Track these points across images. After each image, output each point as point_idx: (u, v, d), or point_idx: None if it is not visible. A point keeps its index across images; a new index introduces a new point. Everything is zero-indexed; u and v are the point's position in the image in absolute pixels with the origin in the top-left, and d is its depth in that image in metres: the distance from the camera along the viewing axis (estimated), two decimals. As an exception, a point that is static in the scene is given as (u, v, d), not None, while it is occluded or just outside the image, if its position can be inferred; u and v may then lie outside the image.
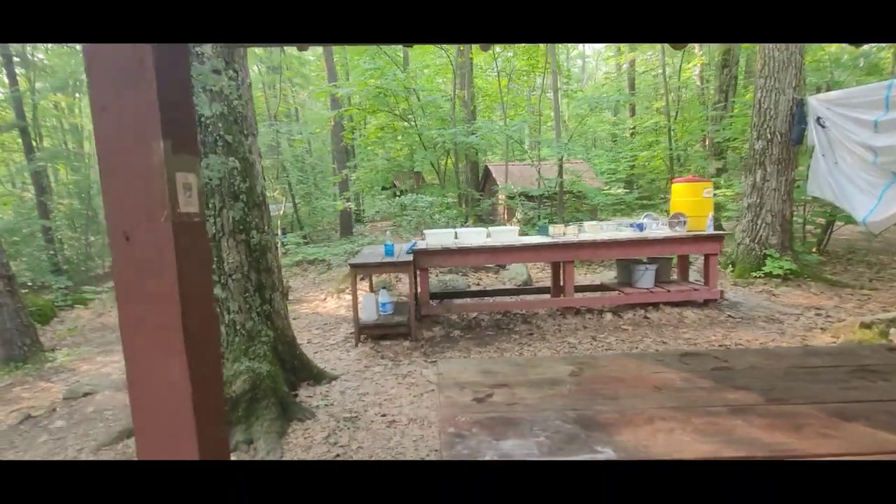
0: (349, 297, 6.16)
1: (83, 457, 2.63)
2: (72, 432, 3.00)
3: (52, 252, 10.27)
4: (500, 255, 4.39)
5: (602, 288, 4.98)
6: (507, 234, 4.56)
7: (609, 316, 4.52)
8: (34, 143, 11.06)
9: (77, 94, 13.52)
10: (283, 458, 2.49)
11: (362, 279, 5.93)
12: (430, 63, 13.18)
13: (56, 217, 11.33)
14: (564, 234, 4.49)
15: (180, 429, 1.04)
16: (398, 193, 11.79)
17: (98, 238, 12.07)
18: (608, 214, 9.60)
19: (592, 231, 4.67)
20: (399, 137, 11.04)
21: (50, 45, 11.07)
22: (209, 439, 1.10)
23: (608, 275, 6.14)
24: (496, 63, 12.19)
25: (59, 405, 3.46)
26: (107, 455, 2.63)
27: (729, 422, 0.99)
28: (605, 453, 0.85)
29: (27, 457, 2.71)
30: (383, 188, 13.99)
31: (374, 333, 4.26)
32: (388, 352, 4.00)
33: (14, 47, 9.78)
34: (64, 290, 8.59)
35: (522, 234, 5.09)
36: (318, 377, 3.39)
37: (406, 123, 10.40)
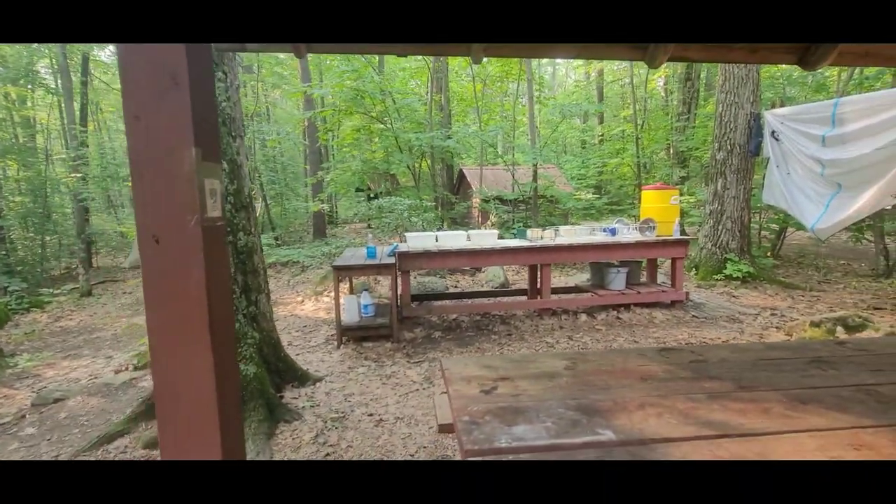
0: (327, 299, 6.15)
1: (61, 463, 2.56)
2: (45, 439, 2.91)
3: (3, 252, 9.69)
4: (480, 257, 4.51)
5: (576, 290, 5.19)
6: (486, 238, 4.69)
7: (584, 317, 4.72)
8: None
9: (30, 86, 12.81)
10: (273, 460, 2.51)
11: (341, 281, 5.93)
12: (407, 66, 13.24)
13: (7, 216, 10.68)
14: (542, 237, 4.66)
15: (204, 427, 1.08)
16: (372, 196, 11.78)
17: (54, 238, 11.47)
18: (579, 218, 9.93)
19: (568, 235, 4.86)
20: (375, 139, 11.05)
21: None
22: (231, 438, 1.15)
23: (581, 277, 6.37)
24: (471, 68, 12.39)
25: (28, 412, 3.33)
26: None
27: (707, 406, 1.12)
28: (606, 434, 0.96)
29: None
30: (358, 190, 13.94)
31: (356, 335, 4.29)
32: (371, 353, 4.05)
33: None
34: (19, 293, 8.13)
35: (500, 237, 5.23)
36: (302, 379, 3.40)
37: (382, 126, 10.43)
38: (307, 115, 11.27)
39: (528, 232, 4.84)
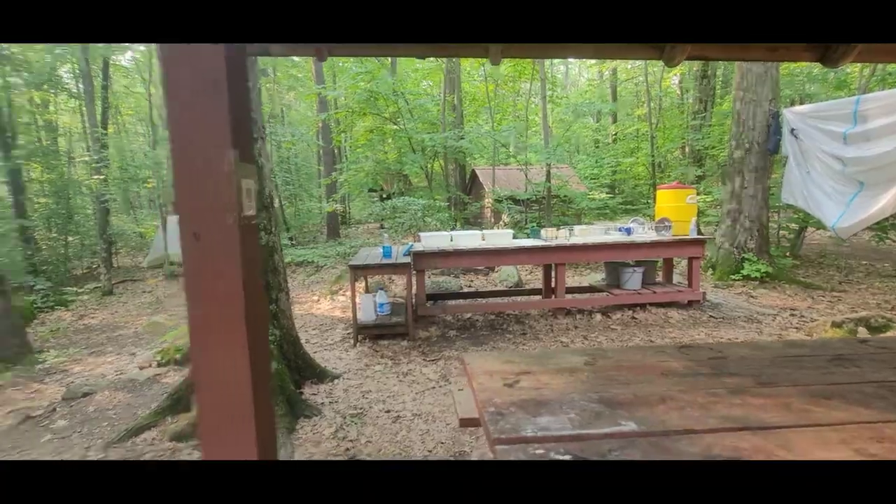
0: (342, 298, 6.23)
1: (91, 455, 2.66)
2: (76, 431, 3.01)
3: (29, 252, 9.98)
4: (494, 257, 4.53)
5: (591, 290, 5.18)
6: (501, 237, 4.71)
7: (599, 316, 4.71)
8: (9, 141, 10.75)
9: (53, 90, 13.16)
10: (294, 454, 2.57)
11: (356, 280, 6.01)
12: (419, 67, 13.32)
13: (32, 217, 10.99)
14: (556, 237, 4.66)
15: (240, 416, 1.13)
16: (385, 196, 11.88)
17: (76, 239, 11.77)
18: (592, 218, 9.89)
19: (582, 235, 4.86)
20: (389, 140, 11.15)
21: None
22: (264, 428, 1.19)
23: (595, 277, 6.35)
24: (483, 68, 12.42)
25: (59, 405, 3.45)
26: (116, 453, 2.66)
27: (728, 401, 1.14)
28: (629, 426, 0.98)
29: (37, 453, 2.72)
30: (371, 190, 14.07)
31: (372, 333, 4.34)
32: (387, 351, 4.10)
33: (-7, 42, 9.50)
34: (44, 292, 8.37)
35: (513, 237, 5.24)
36: (321, 375, 3.47)
37: (395, 126, 10.52)
38: (321, 116, 11.41)
39: (543, 231, 4.85)
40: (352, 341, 4.33)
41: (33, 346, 5.06)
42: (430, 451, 2.54)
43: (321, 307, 6.03)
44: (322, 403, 3.12)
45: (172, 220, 11.01)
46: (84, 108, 12.44)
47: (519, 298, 5.30)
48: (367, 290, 5.36)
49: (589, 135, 17.16)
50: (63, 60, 12.72)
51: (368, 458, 2.47)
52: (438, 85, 13.79)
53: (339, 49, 2.14)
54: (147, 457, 2.60)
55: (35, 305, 7.86)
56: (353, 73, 9.87)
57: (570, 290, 5.11)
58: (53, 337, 6.26)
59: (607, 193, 11.46)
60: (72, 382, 3.93)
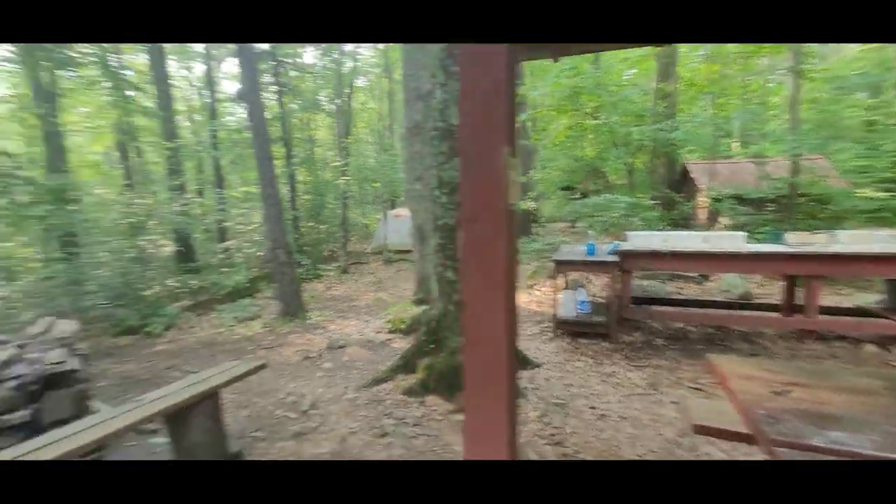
0: (538, 292, 6.37)
1: (350, 393, 3.39)
2: (338, 374, 3.90)
3: (296, 237, 13.18)
4: (721, 262, 3.96)
5: (860, 313, 4.05)
6: (729, 240, 4.08)
7: (871, 347, 3.66)
8: (289, 152, 14.37)
9: (315, 111, 16.88)
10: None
11: (552, 276, 6.05)
12: (627, 57, 12.47)
13: (299, 210, 14.44)
14: (811, 243, 3.80)
15: (496, 369, 1.31)
16: (581, 195, 11.54)
17: (325, 227, 14.98)
18: (860, 222, 7.63)
19: (851, 242, 3.83)
20: (590, 136, 10.79)
21: (301, 72, 14.04)
22: (510, 381, 1.36)
23: (865, 298, 4.94)
24: (706, 47, 10.84)
25: (324, 352, 4.51)
26: (365, 395, 3.33)
27: None
28: (974, 467, 0.79)
29: (314, 384, 3.63)
30: (564, 188, 13.89)
31: (570, 330, 4.34)
32: (587, 350, 4.04)
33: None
34: (306, 267, 10.94)
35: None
36: (523, 362, 3.65)
37: (596, 121, 10.11)
38: (522, 117, 11.77)
39: (788, 236, 4.01)
40: (550, 335, 4.41)
41: (304, 307, 6.69)
42: (639, 457, 2.43)
43: (518, 300, 6.29)
44: (525, 388, 3.28)
45: (391, 214, 13.02)
46: (333, 124, 15.68)
47: (747, 313, 4.52)
48: (566, 287, 5.35)
49: (858, 115, 13.24)
50: (322, 87, 16.25)
51: (590, 459, 2.51)
52: (646, 73, 12.67)
53: (576, 47, 2.22)
54: (387, 403, 3.18)
55: (301, 277, 10.29)
56: (557, 70, 9.85)
57: (825, 311, 4.10)
58: (313, 302, 8.13)
59: (886, 191, 8.65)
60: (331, 336, 5.07)
